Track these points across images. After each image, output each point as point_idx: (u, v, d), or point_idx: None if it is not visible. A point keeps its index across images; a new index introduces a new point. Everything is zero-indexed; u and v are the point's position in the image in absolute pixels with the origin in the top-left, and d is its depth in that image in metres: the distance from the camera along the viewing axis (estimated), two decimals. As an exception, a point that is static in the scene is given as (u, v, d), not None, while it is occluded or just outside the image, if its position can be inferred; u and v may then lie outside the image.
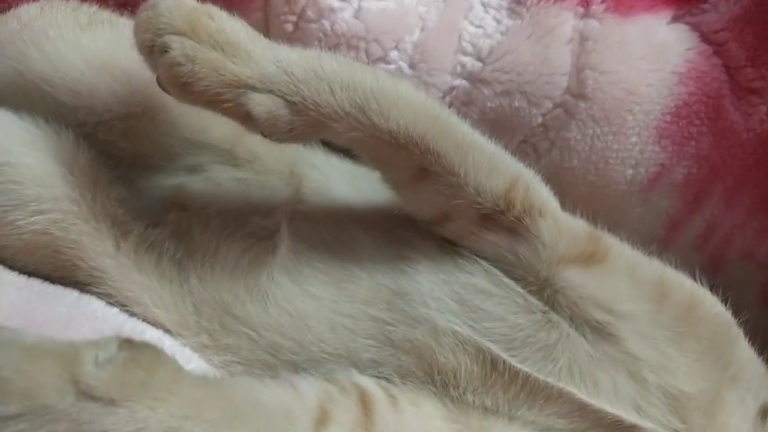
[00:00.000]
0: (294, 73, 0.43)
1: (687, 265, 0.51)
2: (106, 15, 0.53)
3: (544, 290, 0.47)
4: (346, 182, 0.56)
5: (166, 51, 0.41)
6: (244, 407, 0.37)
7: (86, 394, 0.32)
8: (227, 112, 0.43)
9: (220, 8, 0.45)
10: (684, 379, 0.46)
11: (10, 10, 0.53)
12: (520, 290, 0.48)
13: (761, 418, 0.47)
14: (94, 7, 0.53)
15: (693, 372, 0.46)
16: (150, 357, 0.35)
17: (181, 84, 0.41)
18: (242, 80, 0.42)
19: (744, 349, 0.49)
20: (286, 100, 0.42)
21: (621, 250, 0.49)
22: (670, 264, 0.51)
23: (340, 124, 0.43)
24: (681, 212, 0.63)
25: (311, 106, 0.42)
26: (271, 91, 0.42)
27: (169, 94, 0.43)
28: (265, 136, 0.44)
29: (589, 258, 0.48)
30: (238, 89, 0.42)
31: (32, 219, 0.45)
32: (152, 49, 0.41)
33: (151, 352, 0.35)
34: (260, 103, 0.42)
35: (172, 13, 0.41)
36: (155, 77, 0.43)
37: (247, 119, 0.43)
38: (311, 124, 0.43)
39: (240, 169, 0.55)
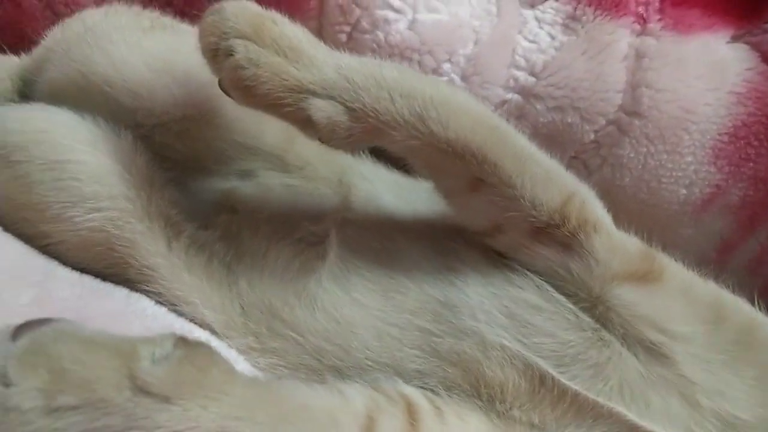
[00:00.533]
0: (355, 80, 0.43)
1: (740, 288, 0.50)
2: (168, 20, 0.55)
3: (596, 307, 0.46)
4: (394, 192, 0.56)
5: (231, 54, 0.42)
6: (293, 410, 0.37)
7: (142, 390, 0.32)
8: (287, 117, 0.43)
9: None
10: (741, 406, 0.45)
11: (75, 14, 0.54)
12: (571, 306, 0.47)
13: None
14: (156, 13, 0.54)
15: (751, 398, 0.45)
16: (204, 356, 0.35)
17: (244, 87, 0.42)
18: (304, 85, 0.42)
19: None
20: (347, 107, 0.43)
21: (676, 270, 0.48)
22: (726, 287, 0.50)
23: (398, 132, 0.43)
24: (735, 234, 0.61)
25: (371, 113, 0.43)
26: (332, 97, 0.43)
27: (231, 97, 0.44)
28: (323, 142, 0.44)
29: (643, 277, 0.47)
30: (299, 94, 0.42)
31: (89, 216, 0.46)
32: (216, 52, 0.42)
33: (205, 352, 0.35)
34: (321, 109, 0.42)
35: (238, 17, 0.42)
36: (217, 80, 0.44)
37: (307, 124, 0.43)
38: (370, 131, 0.43)
39: (290, 176, 0.56)
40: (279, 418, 0.36)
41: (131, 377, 0.32)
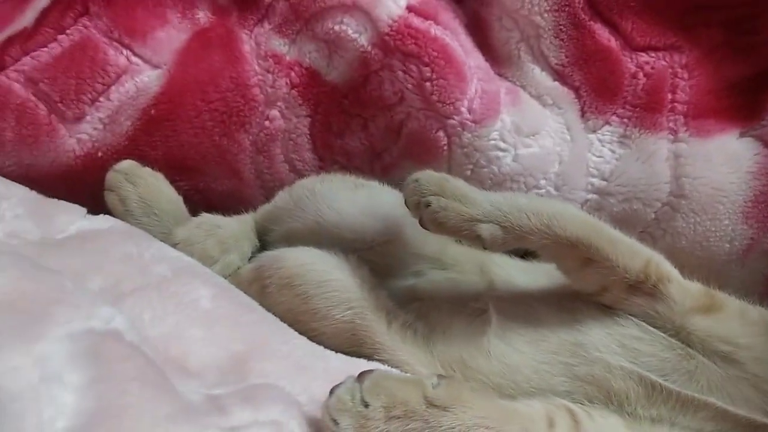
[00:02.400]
0: (503, 209, 0.68)
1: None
2: (361, 180, 0.83)
3: (680, 333, 0.68)
4: (523, 273, 0.80)
5: (428, 205, 0.68)
6: (510, 412, 0.61)
7: (432, 404, 0.57)
8: (465, 237, 0.69)
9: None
10: None
11: (298, 182, 0.83)
12: (662, 335, 0.69)
13: None
14: (354, 177, 0.83)
15: None
16: (456, 382, 0.59)
17: (438, 223, 0.68)
18: (474, 217, 0.68)
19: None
20: (501, 226, 0.68)
21: (731, 301, 0.71)
22: (769, 309, 0.72)
23: (535, 237, 0.68)
24: (773, 271, 0.84)
25: (516, 228, 0.68)
26: (491, 222, 0.68)
27: (428, 230, 0.69)
28: (487, 249, 0.69)
29: (708, 308, 0.69)
30: (471, 222, 0.68)
31: (345, 313, 0.71)
32: (419, 204, 0.69)
33: (456, 380, 0.60)
34: (486, 230, 0.67)
35: (429, 183, 0.68)
36: (418, 220, 0.69)
37: (477, 240, 0.68)
38: (516, 238, 0.68)
39: (448, 271, 0.80)
40: (504, 417, 0.60)
41: (425, 397, 0.57)
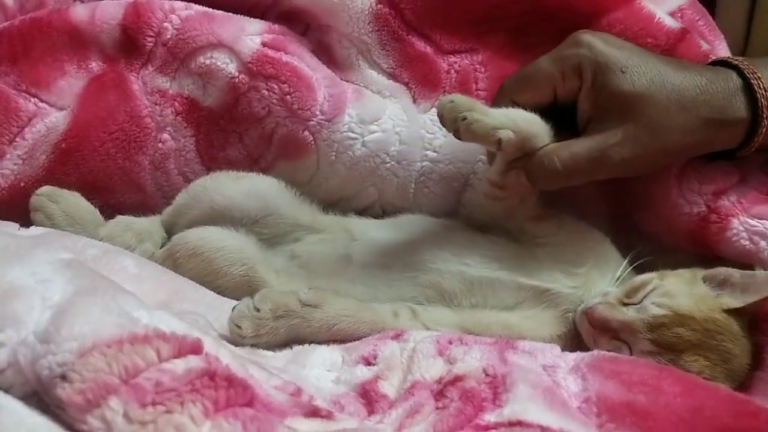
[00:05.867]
0: (511, 117, 0.86)
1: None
2: (242, 173, 1.05)
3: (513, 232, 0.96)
4: (376, 227, 1.03)
5: (464, 119, 0.82)
6: (365, 307, 0.84)
7: (305, 304, 0.79)
8: (488, 143, 0.85)
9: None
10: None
11: (193, 182, 1.04)
12: (488, 238, 0.96)
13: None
14: (243, 168, 1.05)
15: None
16: (322, 290, 0.82)
17: (471, 131, 0.82)
18: (494, 126, 0.84)
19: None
20: (514, 132, 0.84)
21: (556, 214, 0.99)
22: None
23: (535, 140, 0.90)
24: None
25: (523, 131, 0.86)
26: (506, 128, 0.84)
27: (461, 138, 0.84)
28: (501, 150, 0.87)
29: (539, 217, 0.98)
30: (493, 129, 0.83)
31: (241, 269, 0.91)
32: (455, 119, 0.82)
33: (321, 289, 0.83)
34: (503, 134, 0.84)
35: (462, 102, 0.84)
36: (452, 132, 0.85)
37: (498, 143, 0.84)
38: (523, 140, 0.87)
39: (320, 234, 1.01)
40: (360, 309, 0.83)
41: (300, 300, 0.79)
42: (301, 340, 0.80)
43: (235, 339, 0.77)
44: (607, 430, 0.55)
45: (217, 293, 0.92)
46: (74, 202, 1.01)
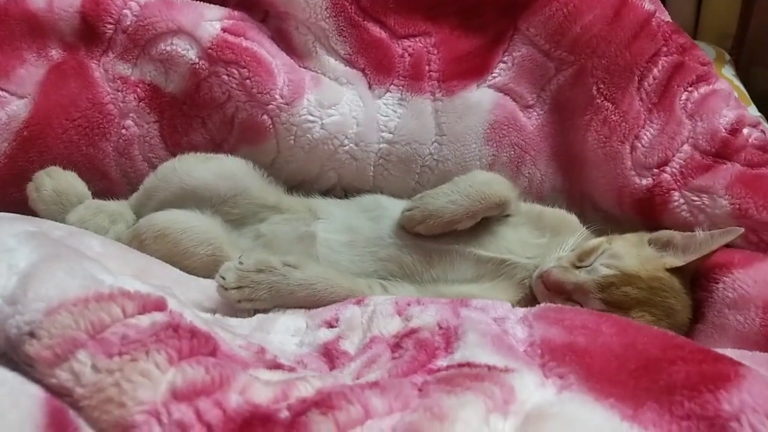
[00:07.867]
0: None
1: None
2: (210, 154, 1.07)
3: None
4: (338, 206, 1.07)
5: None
6: (342, 275, 0.88)
7: (287, 264, 0.83)
8: None
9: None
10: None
11: (161, 165, 1.06)
12: None
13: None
14: (207, 153, 1.07)
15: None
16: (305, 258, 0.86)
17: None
18: None
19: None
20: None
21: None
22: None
23: None
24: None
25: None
26: None
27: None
28: None
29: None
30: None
31: (207, 248, 0.94)
32: None
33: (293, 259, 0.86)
34: None
35: None
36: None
37: None
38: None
39: (284, 214, 1.05)
40: (337, 275, 0.87)
41: (282, 261, 0.82)
42: (281, 302, 0.83)
43: (220, 291, 0.81)
44: (549, 368, 0.59)
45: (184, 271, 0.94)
46: (68, 182, 1.03)
